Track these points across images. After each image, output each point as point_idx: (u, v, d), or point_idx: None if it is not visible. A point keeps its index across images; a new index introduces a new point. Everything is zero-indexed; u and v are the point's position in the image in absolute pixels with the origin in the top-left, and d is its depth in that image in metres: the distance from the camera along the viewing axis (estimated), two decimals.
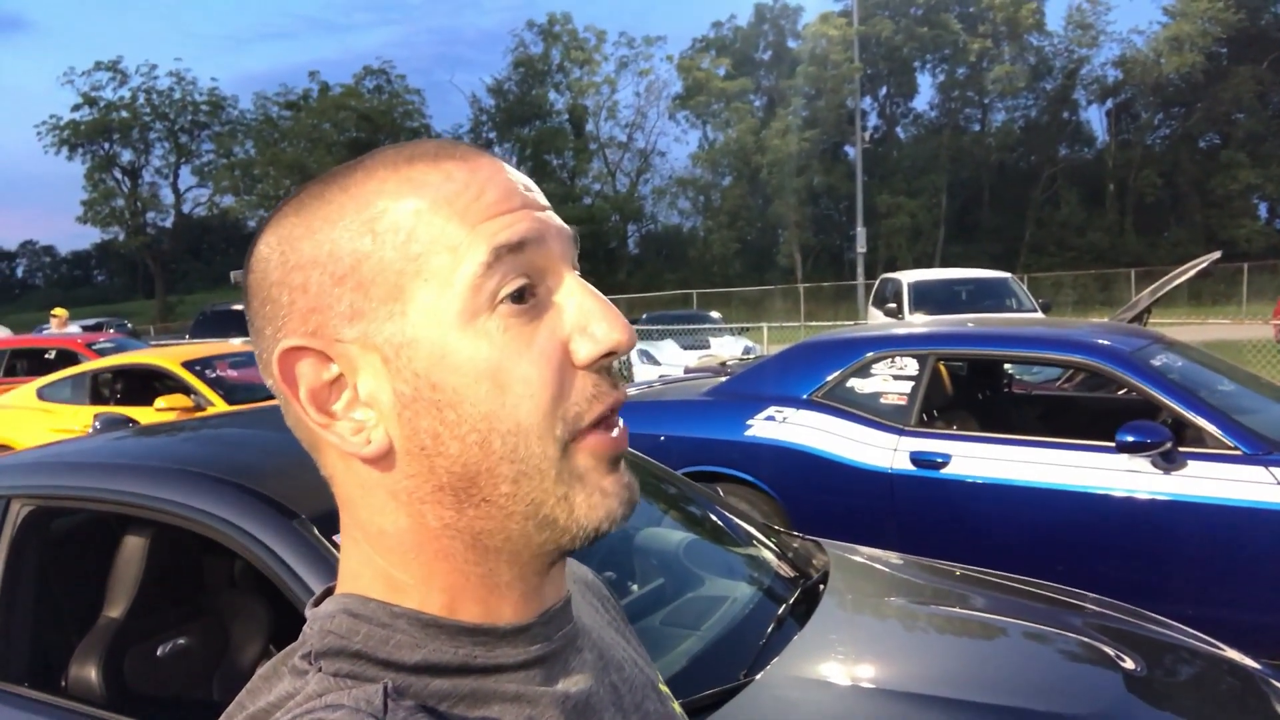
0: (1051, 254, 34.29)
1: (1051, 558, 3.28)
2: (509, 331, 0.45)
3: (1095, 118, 41.15)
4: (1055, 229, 36.03)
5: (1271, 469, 2.99)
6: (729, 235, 37.98)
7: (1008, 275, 11.81)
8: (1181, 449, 3.14)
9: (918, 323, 7.25)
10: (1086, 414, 4.49)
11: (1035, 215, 36.75)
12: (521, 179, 0.49)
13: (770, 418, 3.95)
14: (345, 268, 0.45)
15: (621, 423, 0.49)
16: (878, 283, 13.23)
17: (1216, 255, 6.71)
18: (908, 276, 11.66)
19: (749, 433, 3.96)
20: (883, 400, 3.78)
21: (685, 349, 12.80)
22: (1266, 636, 2.90)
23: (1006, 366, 4.99)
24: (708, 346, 12.97)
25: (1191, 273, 6.32)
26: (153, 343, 14.72)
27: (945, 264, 30.16)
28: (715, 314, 17.73)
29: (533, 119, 42.41)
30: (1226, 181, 33.57)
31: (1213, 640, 2.11)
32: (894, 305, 10.94)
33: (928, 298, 10.80)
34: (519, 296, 0.45)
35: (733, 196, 38.69)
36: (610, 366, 0.48)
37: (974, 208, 39.73)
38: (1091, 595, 2.30)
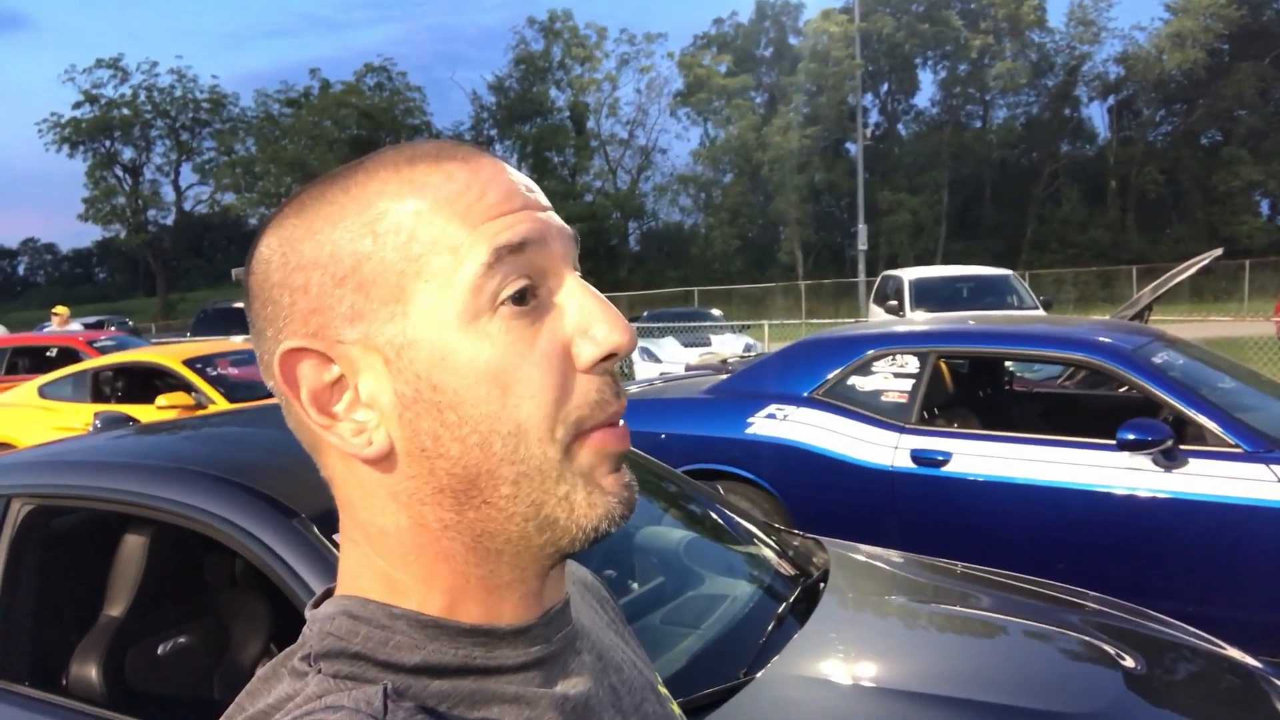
0: (1053, 251, 34.25)
1: (1052, 556, 3.28)
2: (510, 334, 0.45)
3: (1097, 114, 41.33)
4: (1057, 226, 35.97)
5: (1273, 466, 2.99)
6: (730, 232, 37.94)
7: (1009, 272, 11.82)
8: (1182, 447, 3.14)
9: (919, 320, 7.25)
10: (1087, 412, 4.49)
11: (1037, 212, 36.71)
12: (523, 180, 0.49)
13: (771, 415, 3.94)
14: (346, 269, 0.45)
15: (623, 423, 0.49)
16: (879, 280, 13.23)
17: (1218, 252, 6.72)
18: (909, 274, 11.66)
19: (750, 430, 3.96)
20: (884, 398, 3.78)
21: (686, 346, 12.77)
22: (1267, 635, 2.90)
23: (1007, 364, 4.99)
24: (709, 344, 12.94)
25: (1193, 270, 6.32)
26: (154, 340, 14.72)
27: (946, 261, 30.07)
28: (716, 311, 17.70)
29: (534, 116, 42.34)
30: (1228, 178, 33.53)
31: (1213, 638, 2.11)
32: (895, 302, 10.94)
33: (929, 295, 10.80)
34: (520, 298, 0.45)
35: (734, 193, 38.64)
36: (613, 368, 0.48)
37: (975, 205, 39.69)
38: (1092, 593, 2.30)
